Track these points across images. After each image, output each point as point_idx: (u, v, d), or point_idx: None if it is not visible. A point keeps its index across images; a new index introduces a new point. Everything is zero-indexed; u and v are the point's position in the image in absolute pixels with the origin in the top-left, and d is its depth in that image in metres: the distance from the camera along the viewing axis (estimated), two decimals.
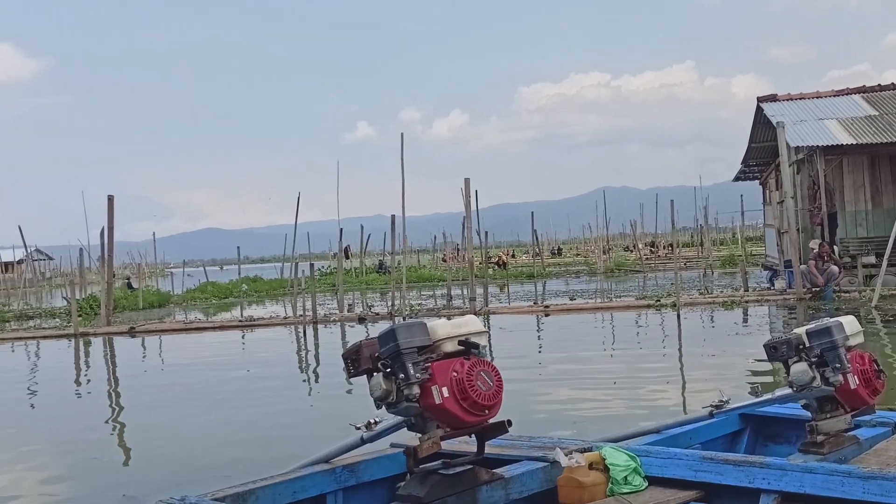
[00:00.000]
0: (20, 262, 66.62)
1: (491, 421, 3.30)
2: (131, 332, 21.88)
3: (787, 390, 3.71)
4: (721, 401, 4.02)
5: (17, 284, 53.36)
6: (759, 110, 26.83)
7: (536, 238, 50.70)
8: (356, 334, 18.50)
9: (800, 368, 3.57)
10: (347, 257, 46.89)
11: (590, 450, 3.60)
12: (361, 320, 21.75)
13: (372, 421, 3.51)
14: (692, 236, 65.19)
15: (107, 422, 10.43)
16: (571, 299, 25.33)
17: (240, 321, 23.22)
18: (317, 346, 17.78)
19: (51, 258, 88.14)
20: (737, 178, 38.08)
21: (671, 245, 43.47)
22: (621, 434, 4.12)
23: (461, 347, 3.27)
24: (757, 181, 37.09)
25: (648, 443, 3.89)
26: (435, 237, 66.66)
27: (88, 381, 14.72)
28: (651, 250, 57.04)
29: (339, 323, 21.63)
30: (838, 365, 3.53)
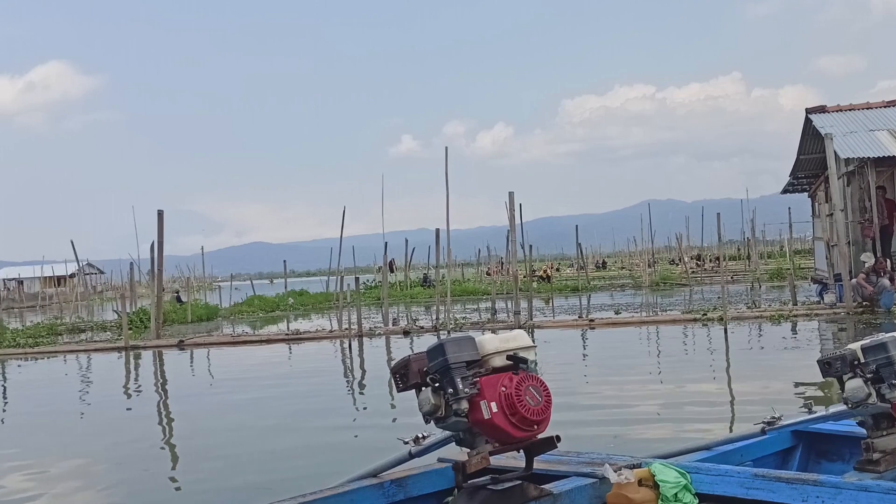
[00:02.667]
0: (72, 275, 67.93)
1: (539, 436, 3.27)
2: (180, 346, 22.14)
3: (842, 407, 3.63)
4: (773, 417, 3.95)
5: (70, 298, 54.42)
6: (807, 122, 26.45)
7: (581, 251, 50.44)
8: (401, 348, 18.54)
9: (855, 385, 3.50)
10: (392, 271, 47.06)
11: (639, 466, 3.56)
12: (406, 334, 21.79)
13: (420, 435, 3.50)
14: (739, 249, 64.45)
15: (156, 436, 10.55)
16: (617, 313, 25.13)
17: (286, 335, 23.40)
18: (362, 359, 17.84)
19: (102, 272, 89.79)
20: (785, 191, 37.55)
21: (717, 258, 42.98)
22: (671, 450, 4.06)
23: (510, 362, 3.25)
24: (806, 193, 36.54)
25: (699, 459, 3.83)
26: (479, 250, 66.57)
27: (139, 393, 14.91)
28: (697, 263, 56.45)
29: (384, 336, 21.68)
30: (895, 381, 3.46)
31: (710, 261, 56.46)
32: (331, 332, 23.37)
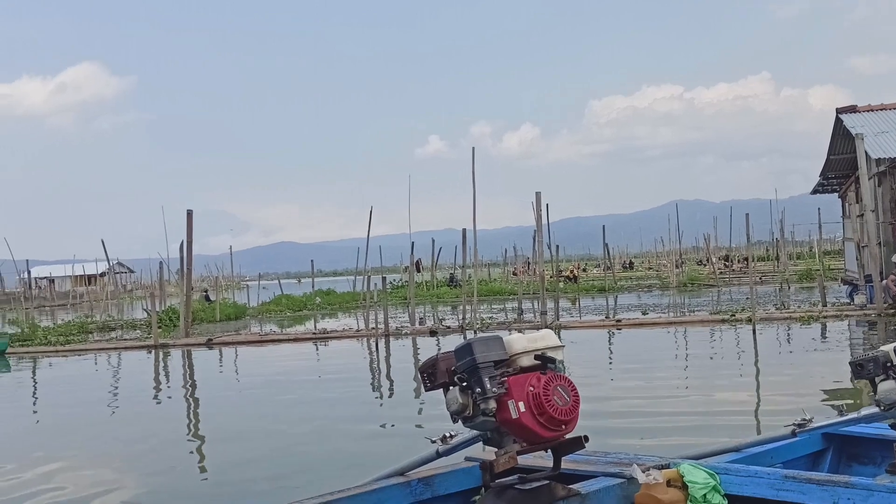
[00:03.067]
0: (103, 274, 68.59)
1: (567, 436, 3.26)
2: (209, 344, 22.29)
3: (874, 409, 3.58)
4: (804, 419, 3.90)
5: (100, 296, 54.97)
6: (838, 122, 26.18)
7: (608, 252, 50.25)
8: (427, 347, 18.56)
9: (888, 387, 3.44)
10: (419, 271, 47.11)
11: (668, 466, 3.53)
12: (433, 333, 21.80)
13: (447, 434, 3.49)
14: (767, 250, 63.94)
15: (185, 433, 10.64)
16: (644, 314, 25.00)
17: (313, 333, 23.50)
18: (388, 358, 17.87)
19: (132, 271, 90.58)
20: (815, 191, 37.22)
21: (746, 259, 42.66)
22: (700, 451, 4.02)
23: (537, 362, 3.24)
24: (836, 194, 36.20)
25: (728, 461, 3.79)
26: (506, 250, 66.59)
27: (168, 391, 15.03)
28: (725, 264, 56.05)
29: (410, 336, 21.72)
30: None
31: (739, 261, 56.03)
32: (357, 331, 23.44)
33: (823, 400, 9.90)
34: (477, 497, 3.47)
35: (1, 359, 21.70)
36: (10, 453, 9.42)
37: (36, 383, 17.37)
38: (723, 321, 20.46)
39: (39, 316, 40.27)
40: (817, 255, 50.83)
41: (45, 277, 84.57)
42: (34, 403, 14.14)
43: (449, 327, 22.71)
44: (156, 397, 14.20)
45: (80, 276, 75.24)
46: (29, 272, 54.56)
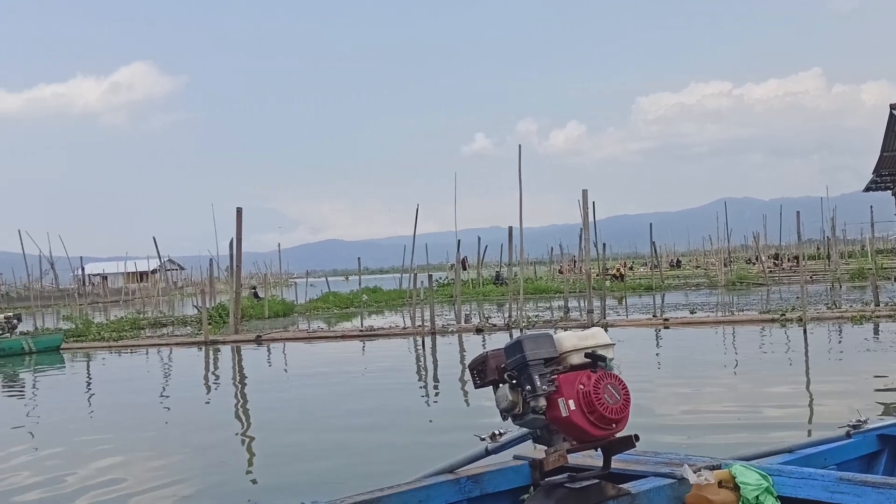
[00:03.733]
0: (154, 271, 69.66)
1: (618, 435, 3.23)
2: (257, 341, 22.52)
3: None
4: (859, 420, 3.84)
5: (152, 293, 55.84)
6: (892, 118, 25.65)
7: (655, 250, 49.81)
8: (474, 345, 18.55)
9: None
10: (465, 268, 47.12)
11: (719, 467, 3.49)
12: (479, 331, 21.80)
13: (497, 432, 3.48)
14: (818, 248, 62.92)
15: (235, 428, 10.76)
16: (692, 312, 24.73)
17: (360, 331, 23.62)
18: (434, 356, 17.90)
19: (182, 268, 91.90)
20: (867, 189, 36.55)
21: (796, 257, 42.01)
22: (752, 452, 3.97)
23: (588, 360, 3.22)
24: (889, 191, 35.49)
25: (781, 462, 3.74)
26: (552, 248, 66.31)
27: (218, 387, 15.23)
28: (775, 263, 55.24)
29: (456, 334, 21.73)
30: None
31: (789, 260, 55.21)
32: (404, 328, 23.52)
33: (877, 401, 9.72)
34: (526, 495, 3.46)
35: (56, 354, 22.13)
36: (66, 447, 9.60)
37: (90, 379, 17.69)
38: (773, 320, 20.17)
39: (93, 312, 40.98)
40: (870, 254, 49.90)
41: (98, 274, 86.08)
42: (88, 399, 14.39)
43: (495, 325, 22.69)
44: (206, 392, 14.38)
45: (133, 273, 76.54)
46: (83, 269, 55.49)
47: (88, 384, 16.61)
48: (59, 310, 41.75)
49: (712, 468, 3.46)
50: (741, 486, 3.34)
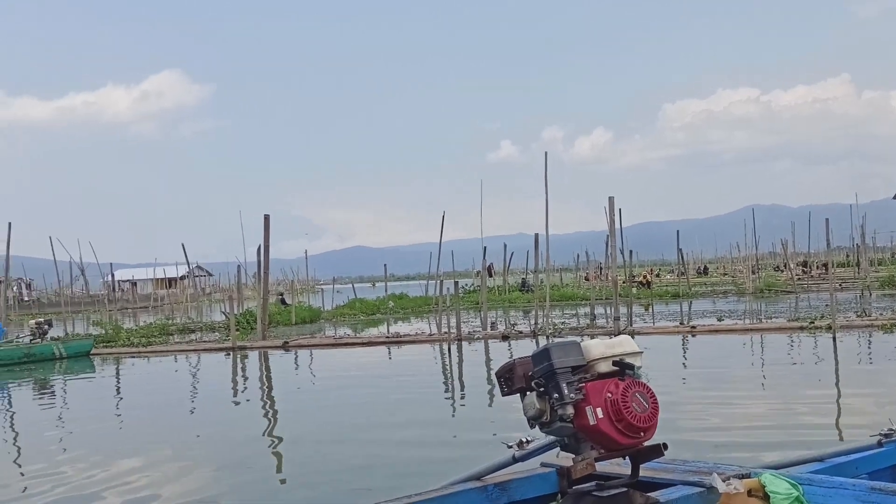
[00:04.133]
0: (183, 278, 70.15)
1: (646, 443, 3.22)
2: (285, 347, 22.62)
3: None
4: (891, 429, 3.80)
5: (180, 299, 56.23)
6: None
7: (682, 257, 49.48)
8: (500, 352, 18.52)
9: None
10: (491, 275, 47.05)
11: (748, 476, 3.46)
12: (505, 338, 21.77)
13: (524, 440, 3.49)
14: (848, 256, 62.26)
15: (262, 434, 10.80)
16: (719, 320, 24.57)
17: (387, 337, 23.65)
18: (461, 363, 17.90)
19: (210, 274, 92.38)
20: None
21: (825, 265, 41.64)
22: (781, 461, 3.93)
23: (615, 368, 3.21)
24: None
25: (811, 471, 3.70)
26: (578, 255, 65.91)
27: (245, 392, 15.31)
28: (803, 270, 54.71)
29: (482, 341, 21.71)
30: None
31: (817, 267, 54.67)
32: (430, 335, 23.53)
33: None
34: (553, 503, 3.45)
35: (86, 359, 22.34)
36: (95, 451, 9.68)
37: (119, 384, 17.84)
38: (801, 328, 19.98)
39: (122, 318, 41.33)
40: None
41: (127, 280, 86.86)
42: (117, 405, 14.50)
43: (521, 332, 22.65)
44: (234, 397, 14.46)
45: (161, 279, 77.13)
46: (112, 275, 56.13)
47: (118, 390, 16.75)
48: (90, 315, 42.15)
49: (741, 477, 3.43)
50: (771, 495, 3.31)
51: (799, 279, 47.34)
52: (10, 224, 32.33)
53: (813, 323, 20.21)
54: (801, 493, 3.34)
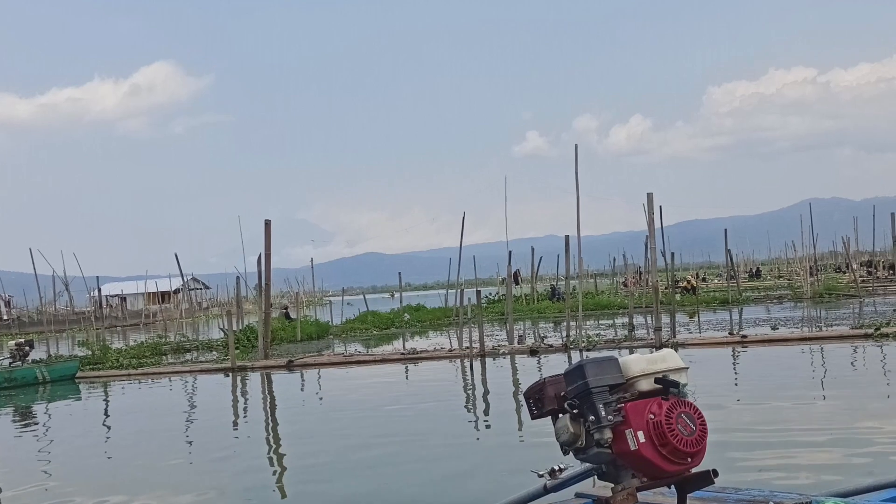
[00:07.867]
0: (176, 291, 70.62)
1: (693, 470, 3.19)
2: (289, 366, 22.66)
3: None
4: None
5: (174, 315, 56.58)
6: None
7: (731, 258, 49.30)
8: (528, 369, 18.48)
9: None
10: (517, 283, 47.08)
11: None
12: (533, 353, 21.72)
13: (556, 468, 3.46)
14: None
15: (264, 463, 10.81)
16: (773, 329, 24.44)
17: (402, 354, 23.65)
18: (484, 381, 17.86)
19: (207, 287, 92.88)
20: None
21: (892, 265, 41.33)
22: (847, 487, 3.89)
23: (658, 386, 3.18)
24: None
25: (883, 499, 3.66)
26: (614, 259, 65.92)
27: (246, 418, 15.34)
28: (868, 271, 54.38)
29: (508, 356, 21.68)
30: None
31: (884, 267, 54.29)
32: (450, 350, 23.52)
33: None
34: None
35: (71, 384, 22.47)
36: (82, 485, 9.72)
37: (108, 410, 17.91)
38: (866, 336, 19.86)
39: (111, 336, 41.68)
40: None
41: (116, 295, 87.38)
42: (106, 435, 14.58)
43: (551, 346, 22.59)
44: (234, 425, 14.49)
45: (153, 293, 77.68)
46: (99, 290, 56.44)
47: (106, 416, 16.82)
48: (75, 334, 42.53)
49: None
50: None
51: (863, 281, 47.03)
52: None
53: (879, 330, 20.08)
54: None
